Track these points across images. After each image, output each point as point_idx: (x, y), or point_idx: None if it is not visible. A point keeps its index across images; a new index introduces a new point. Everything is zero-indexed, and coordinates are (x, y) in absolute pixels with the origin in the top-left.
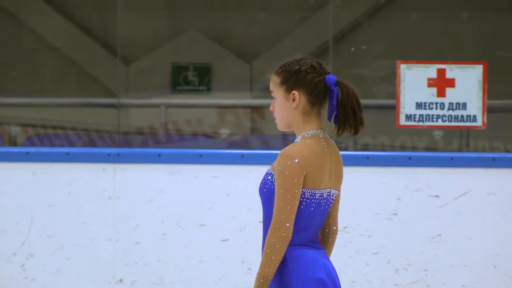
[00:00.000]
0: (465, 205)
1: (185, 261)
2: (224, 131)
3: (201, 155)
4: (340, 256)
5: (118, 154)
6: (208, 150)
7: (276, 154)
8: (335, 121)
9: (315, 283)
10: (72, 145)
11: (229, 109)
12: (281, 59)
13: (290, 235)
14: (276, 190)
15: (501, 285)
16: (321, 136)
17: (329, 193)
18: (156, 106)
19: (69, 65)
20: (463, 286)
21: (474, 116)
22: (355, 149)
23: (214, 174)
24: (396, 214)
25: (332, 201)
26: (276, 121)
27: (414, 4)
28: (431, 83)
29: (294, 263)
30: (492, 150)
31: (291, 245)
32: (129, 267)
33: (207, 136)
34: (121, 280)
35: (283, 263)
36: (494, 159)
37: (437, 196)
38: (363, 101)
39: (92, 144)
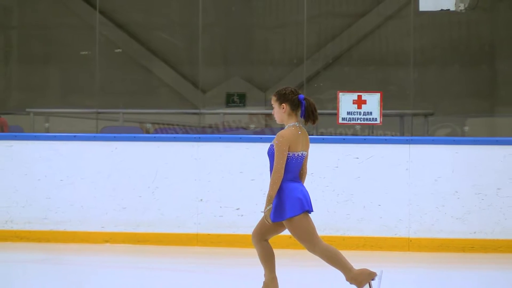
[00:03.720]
0: (372, 162)
1: (233, 190)
2: (252, 126)
3: (240, 138)
4: (309, 188)
5: (199, 138)
6: (244, 135)
7: None
8: (304, 118)
9: (297, 200)
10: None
11: (254, 115)
12: None
13: (282, 175)
14: (275, 153)
15: (393, 203)
16: (297, 125)
17: (302, 154)
18: (218, 113)
19: (175, 94)
20: (370, 202)
21: (376, 118)
22: (317, 134)
23: (247, 147)
24: (337, 167)
25: (304, 157)
26: (275, 119)
27: (347, 62)
28: (354, 101)
29: (287, 189)
30: (385, 135)
31: (286, 181)
32: (205, 193)
33: (243, 128)
34: (201, 200)
35: (282, 189)
36: (386, 139)
37: (357, 158)
38: (320, 111)
39: (186, 132)
